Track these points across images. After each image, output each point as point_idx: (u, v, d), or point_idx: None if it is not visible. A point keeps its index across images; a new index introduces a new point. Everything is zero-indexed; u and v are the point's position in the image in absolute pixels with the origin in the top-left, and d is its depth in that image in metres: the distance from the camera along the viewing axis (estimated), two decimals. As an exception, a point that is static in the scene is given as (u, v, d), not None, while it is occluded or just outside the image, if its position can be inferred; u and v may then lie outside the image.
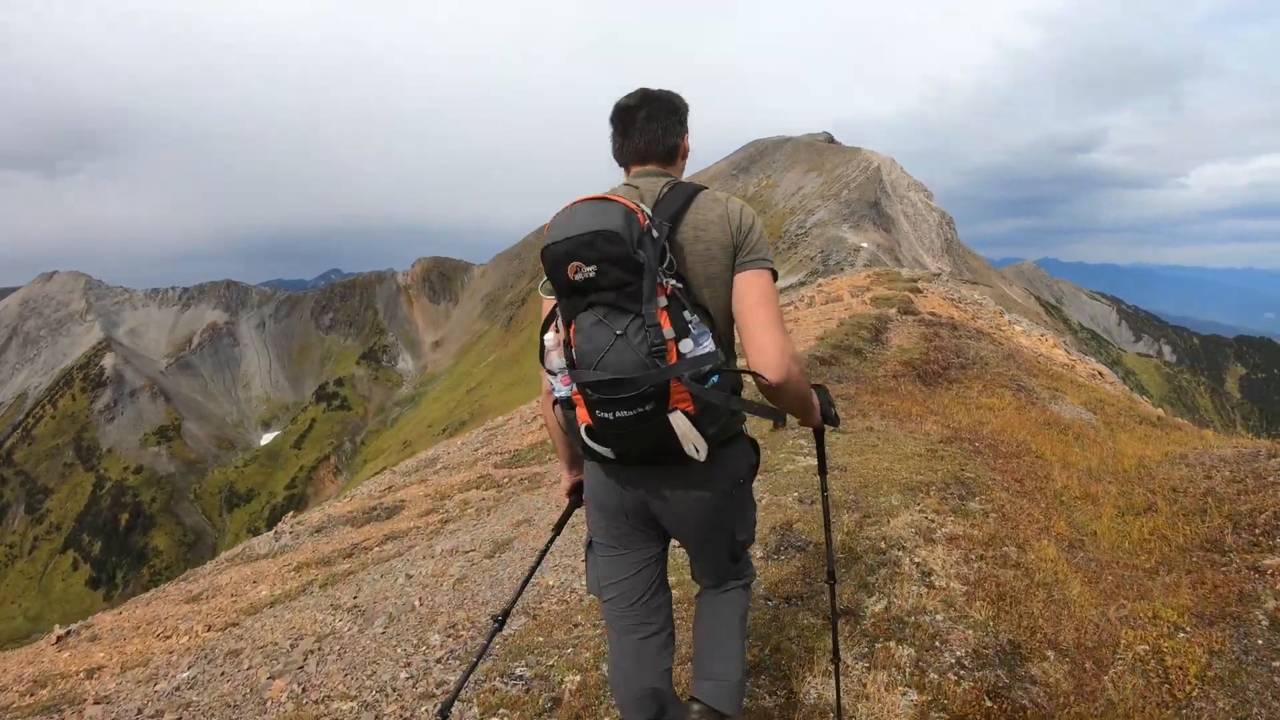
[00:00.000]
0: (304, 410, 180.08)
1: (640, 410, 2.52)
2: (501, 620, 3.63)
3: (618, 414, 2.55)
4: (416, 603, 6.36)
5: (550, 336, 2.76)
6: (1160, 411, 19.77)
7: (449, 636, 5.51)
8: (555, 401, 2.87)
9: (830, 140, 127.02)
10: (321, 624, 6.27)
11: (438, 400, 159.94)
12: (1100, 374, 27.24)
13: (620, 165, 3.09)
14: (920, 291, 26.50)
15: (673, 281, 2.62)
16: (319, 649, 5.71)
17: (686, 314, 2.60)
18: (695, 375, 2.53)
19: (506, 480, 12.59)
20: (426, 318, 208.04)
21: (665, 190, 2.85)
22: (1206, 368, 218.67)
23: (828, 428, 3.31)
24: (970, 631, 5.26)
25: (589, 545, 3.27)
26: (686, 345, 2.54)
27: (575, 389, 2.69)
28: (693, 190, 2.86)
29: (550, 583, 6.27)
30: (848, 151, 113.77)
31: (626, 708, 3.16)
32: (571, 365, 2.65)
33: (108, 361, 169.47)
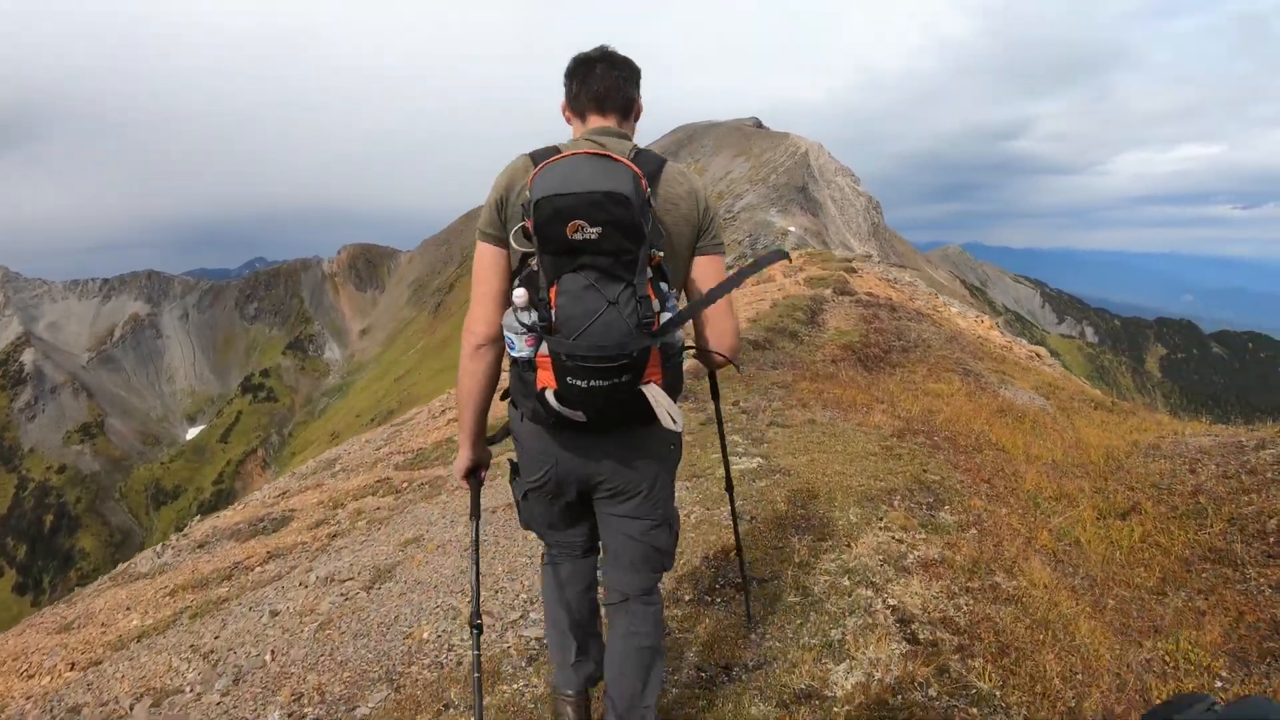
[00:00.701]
0: (230, 403, 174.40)
1: (616, 381, 2.46)
2: (479, 626, 3.37)
3: (592, 383, 2.46)
4: (269, 657, 5.59)
5: (521, 293, 2.58)
6: (1112, 397, 18.74)
7: (289, 715, 4.67)
8: (514, 361, 2.74)
9: (759, 125, 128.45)
10: (172, 675, 5.76)
11: (366, 389, 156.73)
12: (1038, 355, 26.41)
13: (574, 115, 2.95)
14: (855, 272, 25.29)
15: (658, 253, 2.58)
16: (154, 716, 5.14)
17: (664, 284, 2.59)
18: (671, 349, 2.59)
19: (405, 485, 11.25)
20: (353, 305, 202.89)
21: (633, 155, 2.69)
22: (1128, 348, 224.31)
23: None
24: (976, 710, 3.86)
25: (524, 497, 3.18)
26: (665, 318, 2.52)
27: (543, 351, 2.57)
28: (660, 160, 2.78)
29: (425, 635, 5.33)
30: (776, 136, 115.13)
31: (562, 633, 3.34)
32: (548, 328, 2.50)
33: (27, 357, 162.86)
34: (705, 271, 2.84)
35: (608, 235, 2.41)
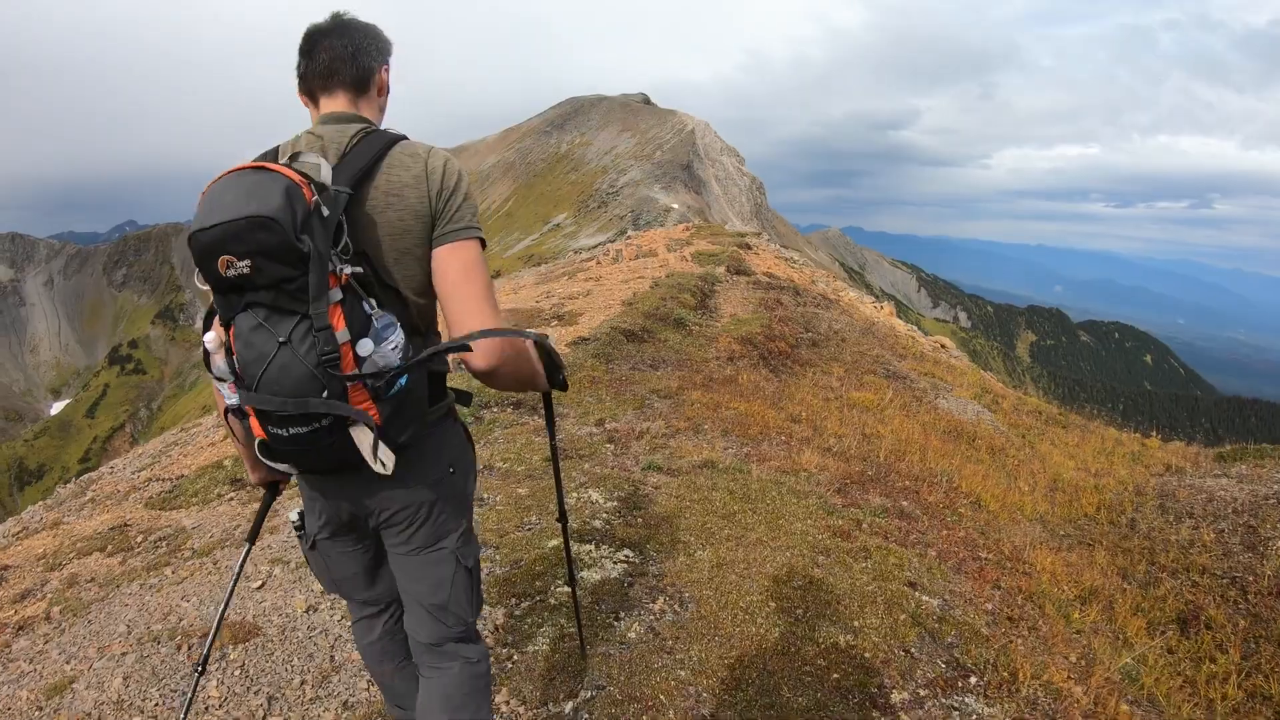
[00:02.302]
0: (96, 375, 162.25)
1: (317, 426, 2.08)
2: (203, 667, 2.87)
3: (292, 430, 2.10)
4: None
5: (211, 337, 2.22)
6: (1045, 404, 15.98)
7: None
8: (226, 410, 2.33)
9: (647, 102, 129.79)
10: None
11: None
12: (943, 346, 23.63)
13: (305, 98, 2.50)
14: (751, 249, 21.97)
15: (348, 269, 2.12)
16: None
17: (367, 304, 2.14)
18: (380, 379, 2.11)
19: (142, 539, 7.65)
20: None
21: (355, 141, 2.31)
22: (1000, 334, 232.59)
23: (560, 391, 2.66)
24: None
25: (312, 547, 2.71)
26: (365, 346, 2.08)
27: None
28: (388, 141, 2.32)
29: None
30: (663, 113, 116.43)
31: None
32: (235, 374, 2.16)
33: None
34: (441, 264, 2.26)
35: (260, 267, 2.00)
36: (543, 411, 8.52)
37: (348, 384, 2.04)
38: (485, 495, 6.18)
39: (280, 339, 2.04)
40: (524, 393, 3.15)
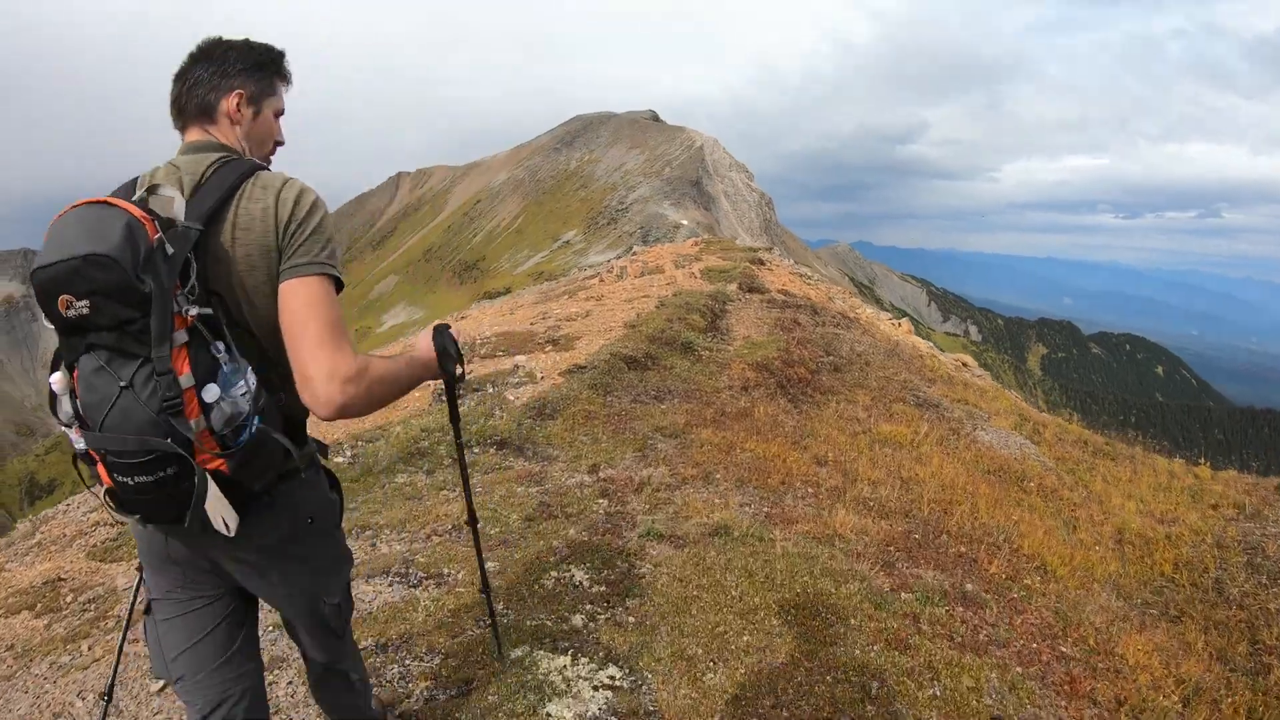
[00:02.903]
0: None
1: (162, 475, 1.99)
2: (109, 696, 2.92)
3: (137, 479, 2.00)
4: None
5: (57, 378, 2.09)
6: (1088, 432, 14.74)
7: None
8: (75, 456, 2.18)
9: (655, 118, 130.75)
10: None
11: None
12: (965, 364, 22.39)
13: (177, 130, 2.40)
14: (764, 264, 20.67)
15: (194, 310, 2.01)
16: None
17: (215, 348, 2.04)
18: (228, 427, 2.03)
19: (73, 599, 6.57)
20: None
21: (210, 172, 2.18)
22: (1010, 347, 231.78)
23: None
24: None
25: (147, 610, 2.52)
26: (211, 392, 1.99)
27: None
28: (244, 172, 2.19)
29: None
30: (671, 130, 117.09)
31: None
32: (79, 418, 2.05)
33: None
34: (282, 302, 2.13)
35: (99, 307, 1.92)
36: (531, 452, 7.44)
37: (192, 433, 1.95)
38: (446, 569, 5.02)
39: (122, 383, 1.95)
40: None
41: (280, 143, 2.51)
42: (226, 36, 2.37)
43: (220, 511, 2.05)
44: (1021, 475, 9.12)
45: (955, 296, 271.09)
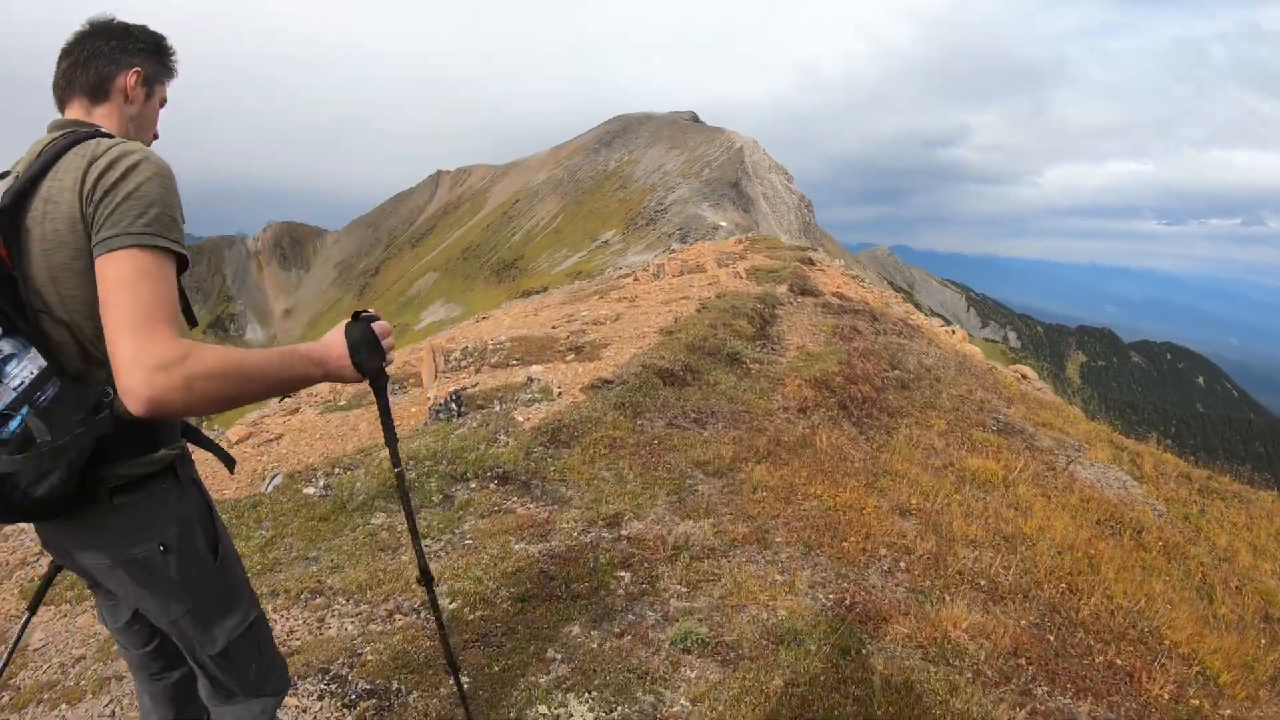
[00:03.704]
0: None
1: None
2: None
3: None
4: None
5: None
6: (1184, 463, 13.06)
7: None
8: None
9: (695, 119, 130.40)
10: None
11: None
12: (1024, 376, 20.70)
13: (58, 109, 2.22)
14: (813, 264, 18.96)
15: None
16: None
17: None
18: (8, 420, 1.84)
19: None
20: (277, 285, 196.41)
21: (48, 144, 2.00)
22: (1050, 354, 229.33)
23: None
24: None
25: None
26: None
27: None
28: (75, 139, 1.97)
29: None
30: (711, 131, 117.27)
31: None
32: None
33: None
34: (100, 284, 1.82)
35: None
36: (539, 490, 6.02)
37: None
38: (397, 683, 3.55)
39: None
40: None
41: (156, 135, 2.31)
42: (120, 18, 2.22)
43: None
44: (1137, 526, 7.54)
45: (994, 302, 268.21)
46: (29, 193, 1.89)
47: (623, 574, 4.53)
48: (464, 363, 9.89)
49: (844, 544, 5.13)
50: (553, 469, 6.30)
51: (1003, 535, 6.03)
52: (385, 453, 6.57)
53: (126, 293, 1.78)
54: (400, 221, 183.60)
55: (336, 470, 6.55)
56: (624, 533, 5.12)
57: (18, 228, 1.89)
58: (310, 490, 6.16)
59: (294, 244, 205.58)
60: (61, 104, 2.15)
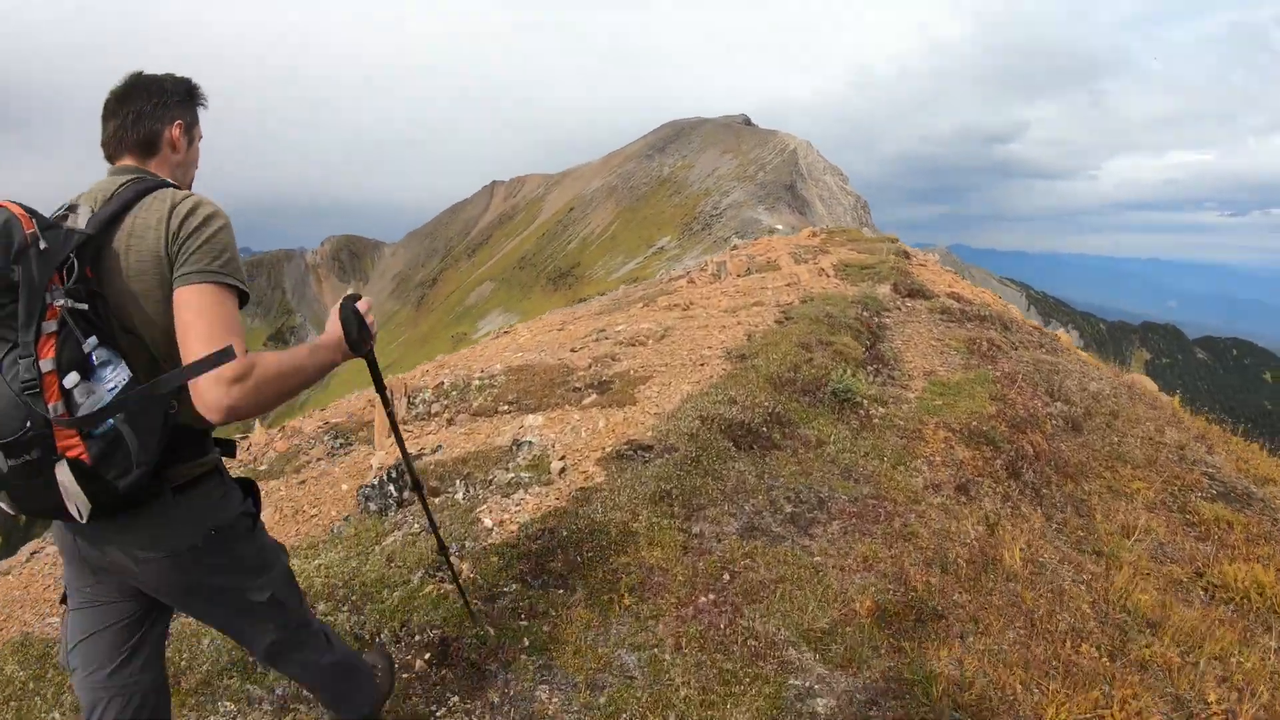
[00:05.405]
0: None
1: (26, 459, 2.01)
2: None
3: (8, 461, 2.01)
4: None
5: None
6: None
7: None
8: None
9: (747, 122, 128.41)
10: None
11: (348, 383, 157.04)
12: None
13: (107, 161, 2.46)
14: (909, 257, 15.45)
15: (65, 303, 2.06)
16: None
17: (88, 342, 2.06)
18: (90, 416, 2.01)
19: None
20: (336, 297, 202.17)
21: (119, 188, 2.26)
22: (1114, 352, 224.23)
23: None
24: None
25: (62, 600, 2.58)
26: (72, 379, 2.00)
27: None
28: (148, 187, 2.27)
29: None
30: (764, 134, 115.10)
31: None
32: None
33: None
34: (177, 312, 2.14)
35: None
36: (501, 686, 3.31)
37: (50, 416, 1.96)
38: None
39: None
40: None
41: (196, 167, 2.56)
42: (144, 71, 2.43)
43: (74, 497, 2.03)
44: None
45: (1055, 300, 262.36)
46: (111, 226, 2.15)
47: None
48: (436, 407, 6.79)
49: None
50: (531, 634, 3.42)
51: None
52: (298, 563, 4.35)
53: (204, 318, 2.11)
54: (456, 232, 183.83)
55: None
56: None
57: (101, 253, 2.13)
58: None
59: (352, 257, 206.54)
60: (111, 159, 2.36)
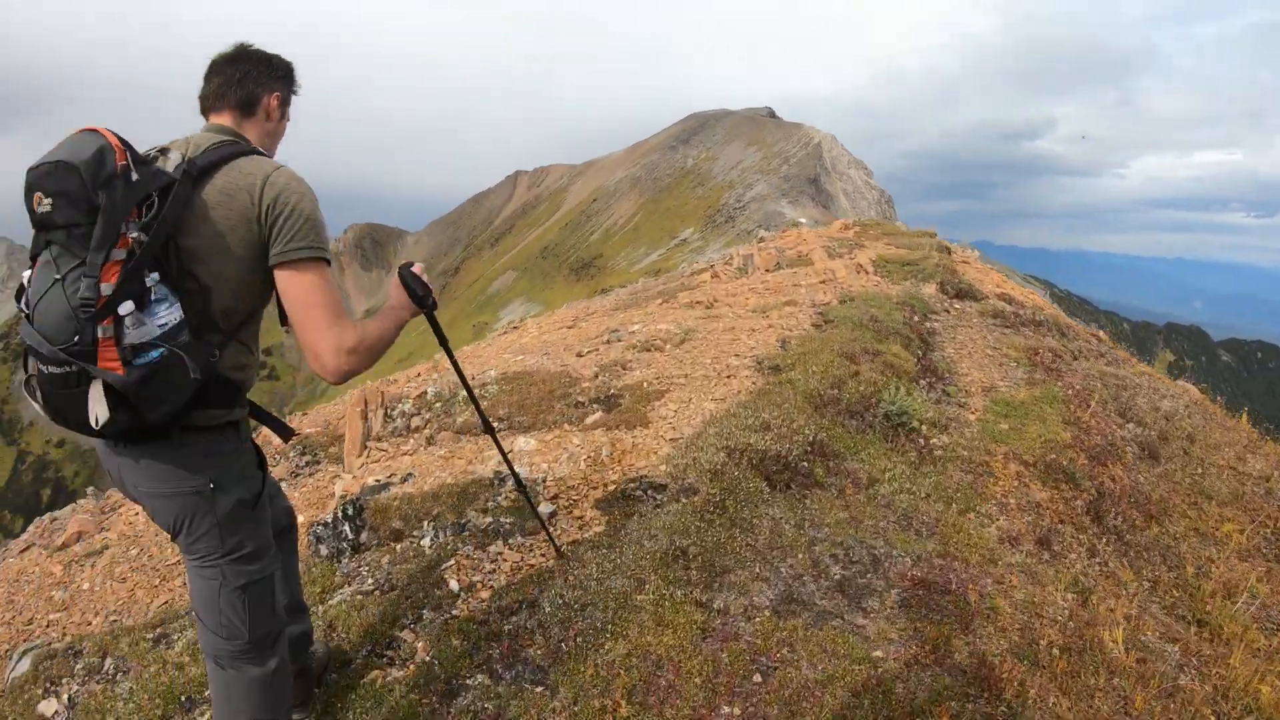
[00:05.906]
0: None
1: (67, 370, 2.12)
2: None
3: (49, 369, 2.16)
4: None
5: (26, 272, 2.30)
6: None
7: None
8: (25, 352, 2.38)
9: (771, 115, 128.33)
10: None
11: (370, 370, 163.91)
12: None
13: (203, 117, 2.60)
14: (950, 252, 14.33)
15: (137, 235, 2.15)
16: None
17: (150, 277, 2.17)
18: (134, 345, 2.12)
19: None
20: (358, 285, 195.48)
21: (212, 145, 2.39)
22: (1137, 353, 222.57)
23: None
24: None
25: None
26: (126, 307, 2.10)
27: None
28: (241, 150, 2.40)
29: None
30: (788, 127, 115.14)
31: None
32: (28, 309, 2.26)
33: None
34: (283, 288, 2.34)
35: (59, 207, 2.10)
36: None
37: (98, 335, 2.04)
38: None
39: (56, 276, 2.09)
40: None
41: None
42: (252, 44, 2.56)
43: (94, 406, 2.08)
44: None
45: (1079, 299, 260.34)
46: (201, 179, 2.25)
47: None
48: (416, 421, 5.89)
49: None
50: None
51: None
52: (185, 640, 3.64)
53: (318, 298, 2.30)
54: (479, 222, 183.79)
55: (106, 663, 3.60)
56: None
57: (187, 201, 2.22)
58: (46, 709, 3.38)
59: (375, 245, 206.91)
60: (206, 113, 2.50)
